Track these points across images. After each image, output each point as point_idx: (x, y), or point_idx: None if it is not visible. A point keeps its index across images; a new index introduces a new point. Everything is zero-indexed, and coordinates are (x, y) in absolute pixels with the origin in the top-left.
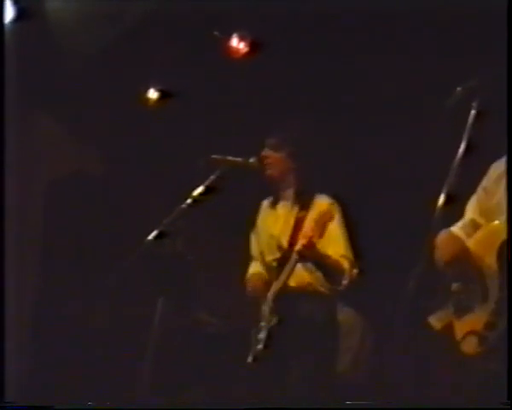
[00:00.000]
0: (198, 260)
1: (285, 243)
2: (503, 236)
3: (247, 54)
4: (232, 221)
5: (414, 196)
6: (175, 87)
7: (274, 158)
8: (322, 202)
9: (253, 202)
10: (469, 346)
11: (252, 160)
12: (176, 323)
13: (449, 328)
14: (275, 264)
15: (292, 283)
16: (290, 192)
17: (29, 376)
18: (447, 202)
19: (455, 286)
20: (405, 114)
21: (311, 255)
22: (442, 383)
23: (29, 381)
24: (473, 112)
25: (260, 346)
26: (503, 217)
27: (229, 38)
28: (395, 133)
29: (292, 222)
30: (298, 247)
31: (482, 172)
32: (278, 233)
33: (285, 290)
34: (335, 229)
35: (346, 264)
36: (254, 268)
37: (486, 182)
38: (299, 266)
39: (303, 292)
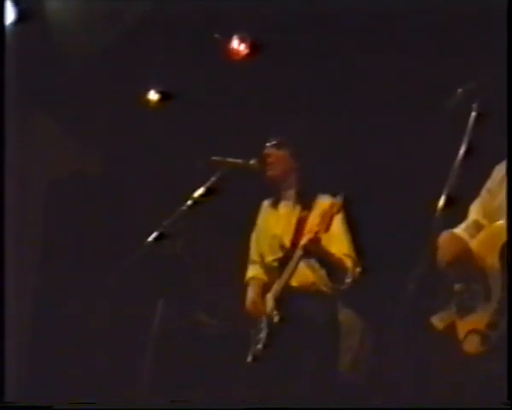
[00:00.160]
0: (198, 261)
1: (287, 242)
2: (506, 236)
3: (248, 55)
4: (232, 223)
5: (414, 198)
6: (175, 88)
7: (275, 157)
8: (324, 202)
9: (253, 203)
10: (471, 345)
11: (252, 161)
12: (175, 323)
13: (451, 328)
14: (276, 264)
15: (295, 282)
16: (292, 192)
17: (29, 376)
18: (448, 203)
19: (457, 286)
20: (406, 115)
21: (316, 251)
22: (442, 383)
23: (29, 381)
24: (473, 114)
25: (260, 346)
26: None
27: (229, 39)
28: (396, 133)
29: (294, 222)
30: (303, 241)
31: (482, 174)
32: (280, 233)
33: (287, 290)
34: (338, 227)
35: (349, 262)
36: (253, 271)
37: (490, 183)
38: (302, 264)
39: (306, 292)
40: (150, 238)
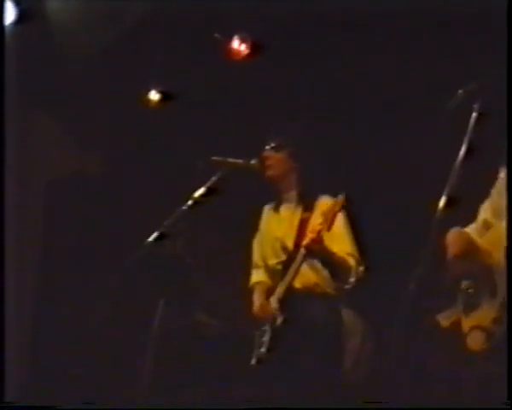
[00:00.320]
0: (198, 261)
1: (290, 244)
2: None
3: (248, 56)
4: (233, 223)
5: (415, 198)
6: (176, 88)
7: (275, 159)
8: (326, 202)
9: (253, 203)
10: (475, 342)
11: (253, 161)
12: (176, 323)
13: (457, 325)
14: (279, 267)
15: (298, 284)
16: (293, 194)
17: (29, 376)
18: (448, 203)
19: (465, 283)
20: (407, 115)
21: (319, 251)
22: (442, 383)
23: (29, 381)
24: (474, 114)
25: (263, 349)
26: None
27: (230, 39)
28: (396, 134)
29: (296, 223)
30: (306, 241)
31: (483, 174)
32: (283, 235)
33: (291, 292)
34: (340, 226)
35: (352, 261)
36: (257, 276)
37: (498, 184)
38: (305, 266)
39: (309, 293)
40: (151, 238)
